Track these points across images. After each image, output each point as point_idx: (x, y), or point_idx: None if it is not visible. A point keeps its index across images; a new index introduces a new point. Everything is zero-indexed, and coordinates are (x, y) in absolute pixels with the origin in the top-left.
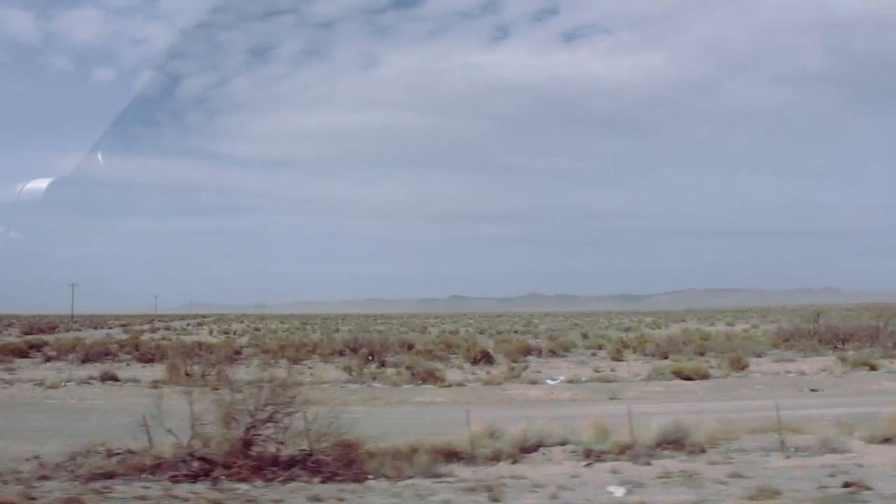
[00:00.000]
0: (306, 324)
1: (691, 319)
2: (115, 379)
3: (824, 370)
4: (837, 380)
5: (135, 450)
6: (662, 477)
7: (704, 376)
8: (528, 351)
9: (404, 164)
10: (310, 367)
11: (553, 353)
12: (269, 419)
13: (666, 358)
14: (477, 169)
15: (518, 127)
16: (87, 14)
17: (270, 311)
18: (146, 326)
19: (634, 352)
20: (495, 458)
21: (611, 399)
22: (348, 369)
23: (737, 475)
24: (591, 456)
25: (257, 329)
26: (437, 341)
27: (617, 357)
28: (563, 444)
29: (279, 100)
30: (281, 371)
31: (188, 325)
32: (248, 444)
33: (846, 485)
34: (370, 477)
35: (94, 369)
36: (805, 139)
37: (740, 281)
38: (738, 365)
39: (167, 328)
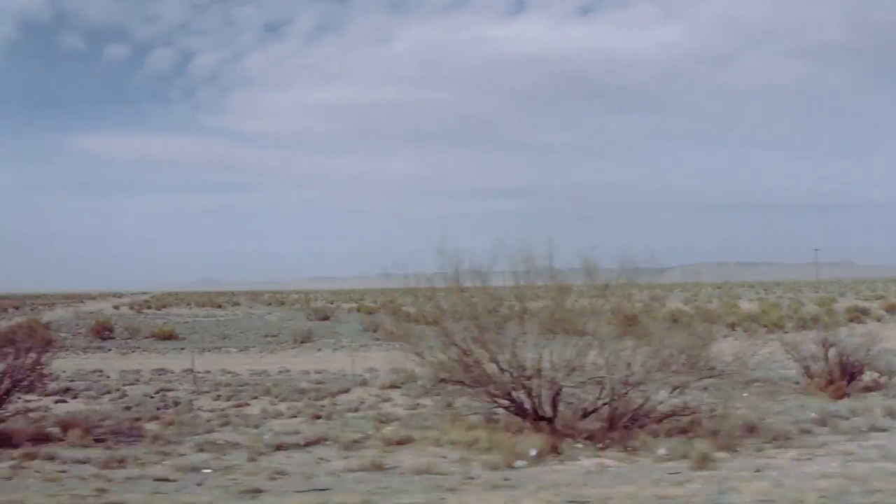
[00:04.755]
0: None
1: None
2: None
3: None
4: None
5: None
6: None
7: None
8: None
9: (417, 139)
10: None
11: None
12: None
13: None
14: (490, 144)
15: (532, 102)
16: None
17: (282, 287)
18: None
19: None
20: None
21: None
22: None
23: None
24: None
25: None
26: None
27: None
28: None
29: (292, 75)
30: None
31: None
32: None
33: None
34: None
35: None
36: (820, 113)
37: (754, 254)
38: None
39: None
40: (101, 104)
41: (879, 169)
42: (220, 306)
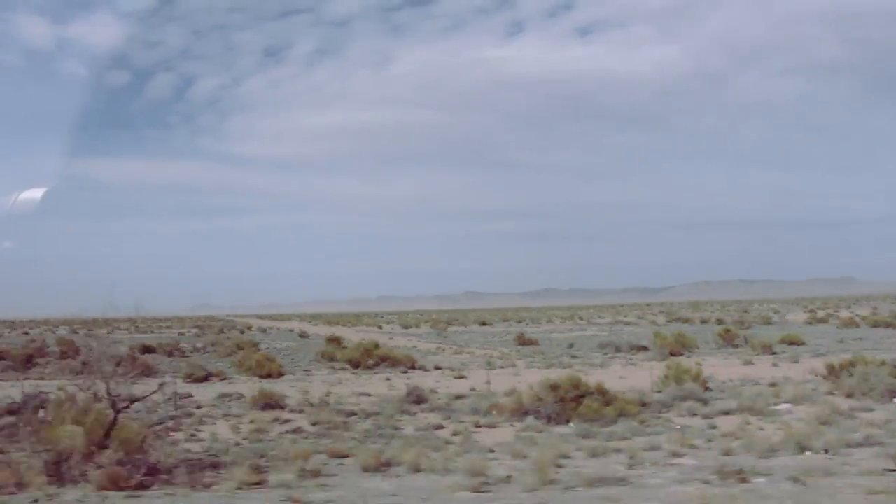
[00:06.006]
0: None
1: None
2: None
3: None
4: None
5: None
6: None
7: None
8: None
9: (416, 161)
10: None
11: None
12: None
13: None
14: (489, 165)
15: (531, 122)
16: (102, 18)
17: (280, 311)
18: None
19: None
20: None
21: None
22: None
23: None
24: None
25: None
26: None
27: None
28: None
29: (291, 99)
30: None
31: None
32: None
33: None
34: None
35: None
36: (818, 129)
37: (756, 272)
38: None
39: None
40: (102, 129)
41: (880, 184)
42: (448, 324)
